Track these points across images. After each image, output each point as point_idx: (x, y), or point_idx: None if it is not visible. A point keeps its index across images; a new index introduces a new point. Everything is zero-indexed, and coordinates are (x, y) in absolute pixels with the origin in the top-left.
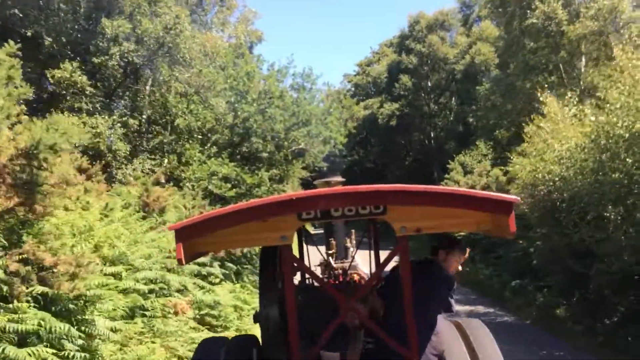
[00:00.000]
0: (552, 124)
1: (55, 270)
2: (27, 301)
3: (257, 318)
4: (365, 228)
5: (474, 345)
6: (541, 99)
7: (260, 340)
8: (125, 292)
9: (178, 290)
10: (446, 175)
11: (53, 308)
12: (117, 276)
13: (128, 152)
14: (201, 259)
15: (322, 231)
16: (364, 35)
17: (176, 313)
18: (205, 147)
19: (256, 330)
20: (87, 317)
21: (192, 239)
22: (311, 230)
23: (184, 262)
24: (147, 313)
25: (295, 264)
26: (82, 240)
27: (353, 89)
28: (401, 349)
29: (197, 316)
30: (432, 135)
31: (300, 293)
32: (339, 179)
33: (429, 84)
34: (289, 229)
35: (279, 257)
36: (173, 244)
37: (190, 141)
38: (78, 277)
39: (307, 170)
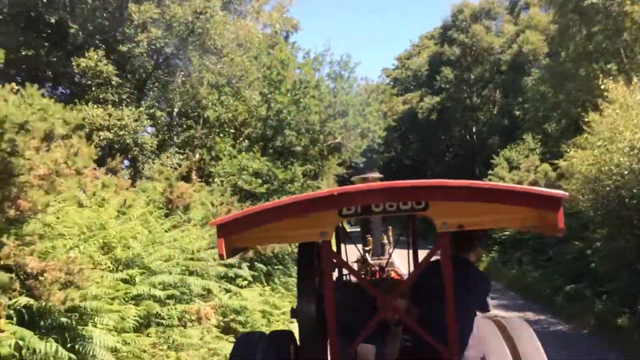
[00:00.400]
0: (622, 111)
1: (42, 277)
2: (9, 317)
3: (294, 314)
4: (403, 226)
5: (517, 344)
6: (602, 86)
7: (297, 336)
8: (138, 298)
9: (201, 295)
10: (490, 171)
11: (42, 322)
12: (131, 281)
13: (155, 146)
14: (228, 260)
15: (358, 229)
16: (404, 29)
17: (199, 320)
18: (237, 142)
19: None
20: (84, 332)
21: (234, 234)
22: (347, 227)
23: (225, 257)
24: (164, 322)
25: (334, 260)
26: (87, 242)
27: (392, 83)
28: (441, 347)
29: (222, 323)
30: (474, 130)
31: (338, 289)
32: (377, 175)
33: (472, 76)
34: (329, 225)
35: (317, 253)
36: (197, 243)
37: (222, 135)
38: (73, 285)
39: (343, 166)
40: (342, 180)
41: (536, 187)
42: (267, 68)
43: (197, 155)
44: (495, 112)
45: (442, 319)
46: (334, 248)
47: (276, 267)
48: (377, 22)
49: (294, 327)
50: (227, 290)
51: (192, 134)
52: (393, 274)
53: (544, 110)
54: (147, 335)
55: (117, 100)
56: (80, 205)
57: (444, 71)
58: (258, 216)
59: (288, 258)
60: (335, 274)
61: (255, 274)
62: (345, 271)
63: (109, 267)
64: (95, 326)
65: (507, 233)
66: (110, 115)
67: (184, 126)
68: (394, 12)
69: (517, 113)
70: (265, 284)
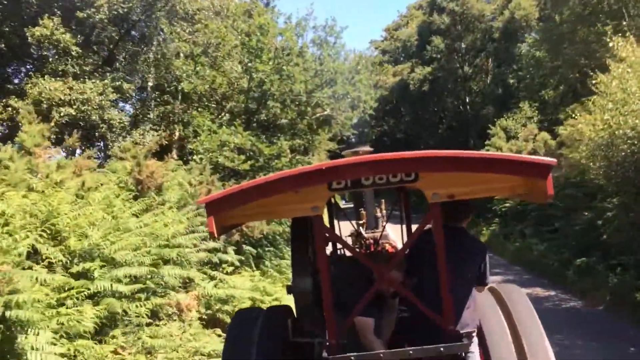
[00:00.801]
0: (634, 70)
1: None
2: None
3: (290, 289)
4: (395, 198)
5: (512, 311)
6: (611, 44)
7: (294, 311)
8: (99, 296)
9: (182, 285)
10: (486, 142)
11: None
12: (89, 275)
13: (126, 123)
14: (211, 244)
15: (351, 206)
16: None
17: (180, 313)
18: (219, 116)
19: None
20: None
21: (224, 212)
22: (341, 204)
23: (216, 236)
24: (132, 321)
25: (327, 235)
26: (32, 231)
27: (381, 55)
28: (436, 316)
29: (205, 316)
30: (467, 100)
31: (332, 264)
32: (368, 148)
33: (463, 45)
34: (320, 199)
35: (310, 228)
36: (172, 228)
37: (200, 109)
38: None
39: (335, 141)
40: (334, 156)
41: (525, 155)
42: (246, 35)
43: (170, 131)
44: (488, 81)
45: (437, 288)
46: (327, 224)
47: (267, 249)
48: None
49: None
50: (212, 278)
51: (169, 109)
52: (388, 247)
53: (540, 77)
54: (112, 338)
55: (79, 72)
56: (30, 189)
57: (434, 41)
58: (248, 193)
59: (279, 239)
60: (330, 249)
61: (243, 258)
62: (339, 245)
63: (60, 260)
64: (30, 336)
65: (507, 205)
66: (71, 89)
67: (160, 100)
68: None
69: (512, 81)
70: (255, 269)
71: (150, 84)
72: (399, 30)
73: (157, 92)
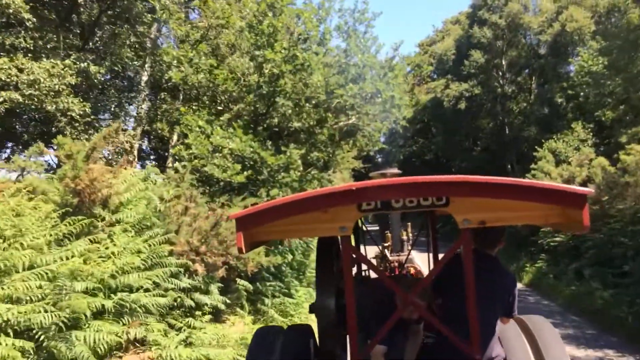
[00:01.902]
0: None
1: None
2: None
3: (313, 308)
4: (422, 222)
5: (539, 344)
6: None
7: (315, 330)
8: None
9: (133, 342)
10: (533, 166)
11: None
12: None
13: (91, 115)
14: (186, 281)
15: (376, 227)
16: (426, 15)
17: None
18: (218, 117)
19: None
20: None
21: (252, 228)
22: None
23: (244, 251)
24: None
25: (354, 256)
26: None
27: (413, 72)
28: (464, 344)
29: None
30: (505, 121)
31: (357, 285)
32: (395, 171)
33: (503, 61)
34: (348, 219)
35: (337, 248)
36: (121, 260)
37: (195, 107)
38: None
39: (360, 158)
40: (358, 176)
41: (560, 184)
42: (254, 16)
43: (118, 124)
44: (531, 100)
45: (465, 315)
46: (353, 244)
47: (269, 283)
48: (396, 6)
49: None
50: (177, 331)
51: (158, 104)
52: (412, 270)
53: (596, 96)
54: None
55: (31, 47)
56: None
57: (473, 55)
58: (276, 210)
59: (287, 269)
60: (354, 270)
61: (229, 301)
62: (364, 267)
63: None
64: None
65: (557, 239)
66: (21, 70)
67: (148, 94)
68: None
69: (560, 100)
70: (249, 311)
71: (144, 78)
72: (434, 45)
73: (143, 85)
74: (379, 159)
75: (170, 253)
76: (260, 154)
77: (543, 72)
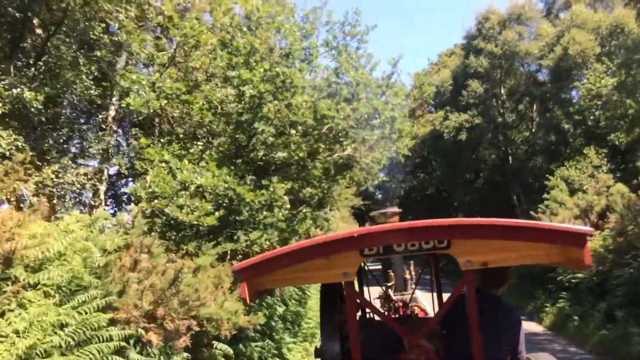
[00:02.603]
0: None
1: None
2: None
3: (318, 353)
4: (425, 261)
5: None
6: None
7: None
8: None
9: None
10: (545, 196)
11: None
12: None
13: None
14: (145, 358)
15: (377, 266)
16: (419, 48)
17: None
18: (189, 151)
19: None
20: None
21: (255, 278)
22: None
23: (249, 302)
24: None
25: (358, 300)
26: None
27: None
28: None
29: None
30: (509, 151)
31: (362, 328)
32: (395, 210)
33: (502, 90)
34: (351, 265)
35: (340, 292)
36: (26, 341)
37: (170, 143)
38: None
39: (357, 194)
40: (359, 213)
41: (560, 224)
42: (227, 32)
43: (24, 156)
44: (534, 128)
45: (471, 358)
46: (357, 287)
47: (255, 344)
48: (389, 38)
49: None
50: None
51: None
52: (417, 310)
53: (607, 119)
54: None
55: None
56: None
57: (471, 85)
58: (278, 260)
59: (279, 323)
60: (358, 313)
61: None
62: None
63: None
64: None
65: (579, 275)
66: None
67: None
68: (407, 32)
69: (567, 126)
70: None
71: (112, 113)
72: (430, 77)
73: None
74: (379, 195)
75: (112, 322)
76: (237, 190)
77: (545, 99)
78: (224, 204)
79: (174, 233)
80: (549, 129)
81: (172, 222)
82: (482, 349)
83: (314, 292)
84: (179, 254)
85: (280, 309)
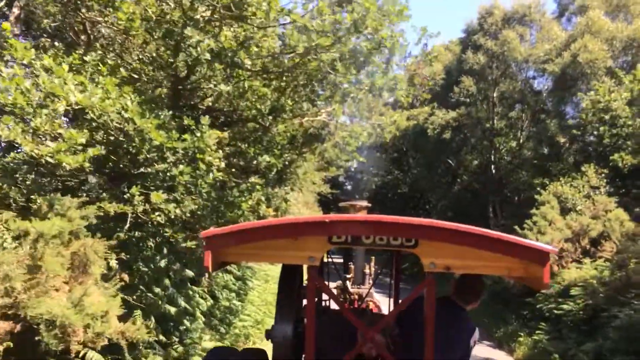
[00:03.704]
0: None
1: None
2: None
3: (270, 335)
4: (386, 260)
5: None
6: None
7: (270, 356)
8: None
9: None
10: (534, 211)
11: None
12: None
13: None
14: None
15: (337, 258)
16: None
17: None
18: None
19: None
20: None
21: (221, 248)
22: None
23: (210, 270)
24: None
25: (318, 286)
26: None
27: (392, 99)
28: None
29: None
30: (492, 159)
31: (317, 316)
32: (364, 204)
33: (494, 94)
34: (318, 250)
35: (300, 276)
36: None
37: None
38: None
39: (326, 180)
40: (324, 202)
41: (525, 240)
42: None
43: None
44: (522, 139)
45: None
46: None
47: (155, 352)
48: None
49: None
50: None
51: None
52: (372, 305)
53: (612, 137)
54: None
55: None
56: None
57: (464, 82)
58: (248, 233)
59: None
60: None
61: None
62: (324, 297)
63: None
64: None
65: (565, 307)
66: None
67: None
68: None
69: (562, 141)
70: None
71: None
72: (422, 70)
73: None
74: (348, 186)
75: None
76: (137, 121)
77: (539, 110)
78: (116, 141)
79: (29, 175)
80: (540, 140)
81: (31, 158)
82: (434, 353)
83: (258, 284)
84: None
85: (205, 304)
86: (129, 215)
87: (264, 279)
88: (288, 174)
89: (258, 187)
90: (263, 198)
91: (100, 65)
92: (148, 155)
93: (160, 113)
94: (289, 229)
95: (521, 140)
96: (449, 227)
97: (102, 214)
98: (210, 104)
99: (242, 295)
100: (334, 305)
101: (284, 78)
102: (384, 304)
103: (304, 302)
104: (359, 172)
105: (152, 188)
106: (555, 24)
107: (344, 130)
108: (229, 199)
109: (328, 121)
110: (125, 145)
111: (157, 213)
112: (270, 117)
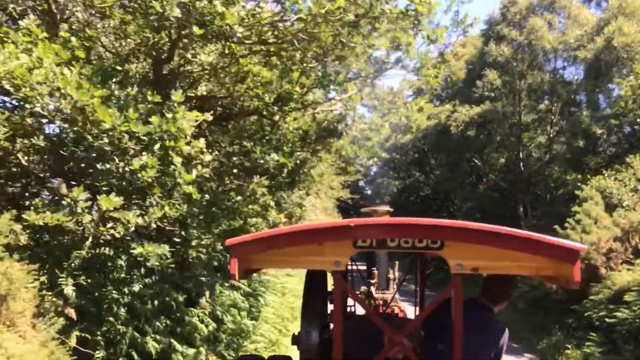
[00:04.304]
0: None
1: None
2: None
3: (296, 340)
4: (411, 263)
5: None
6: None
7: None
8: None
9: None
10: (575, 208)
11: None
12: None
13: None
14: None
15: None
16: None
17: None
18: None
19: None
20: None
21: (247, 255)
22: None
23: (237, 278)
24: None
25: (344, 291)
26: None
27: (414, 97)
28: None
29: None
30: (520, 155)
31: (343, 321)
32: (386, 208)
33: (522, 86)
34: (343, 255)
35: (325, 281)
36: None
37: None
38: None
39: (345, 185)
40: (344, 208)
41: (553, 238)
42: None
43: None
44: (551, 133)
45: None
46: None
47: None
48: None
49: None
50: None
51: None
52: (397, 310)
53: None
54: None
55: None
56: None
57: (488, 75)
58: (273, 239)
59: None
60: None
61: None
62: (350, 302)
63: None
64: None
65: (618, 314)
66: None
67: None
68: None
69: (599, 132)
70: None
71: None
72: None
73: None
74: (368, 191)
75: None
76: (72, 94)
77: (571, 101)
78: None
79: None
80: (574, 133)
81: None
82: (463, 355)
83: (272, 299)
84: None
85: (204, 329)
86: (62, 222)
87: (281, 292)
88: (301, 176)
89: (263, 189)
90: (272, 203)
91: (38, 31)
92: (95, 144)
93: (128, 89)
94: (314, 234)
95: (551, 135)
96: (475, 228)
97: (24, 225)
98: (204, 92)
99: (254, 313)
100: (359, 311)
101: (287, 52)
102: (408, 310)
103: (330, 307)
104: (379, 176)
105: (98, 185)
106: (584, 9)
107: (362, 122)
108: (227, 203)
109: (344, 112)
110: (62, 132)
111: (110, 224)
112: (276, 108)
